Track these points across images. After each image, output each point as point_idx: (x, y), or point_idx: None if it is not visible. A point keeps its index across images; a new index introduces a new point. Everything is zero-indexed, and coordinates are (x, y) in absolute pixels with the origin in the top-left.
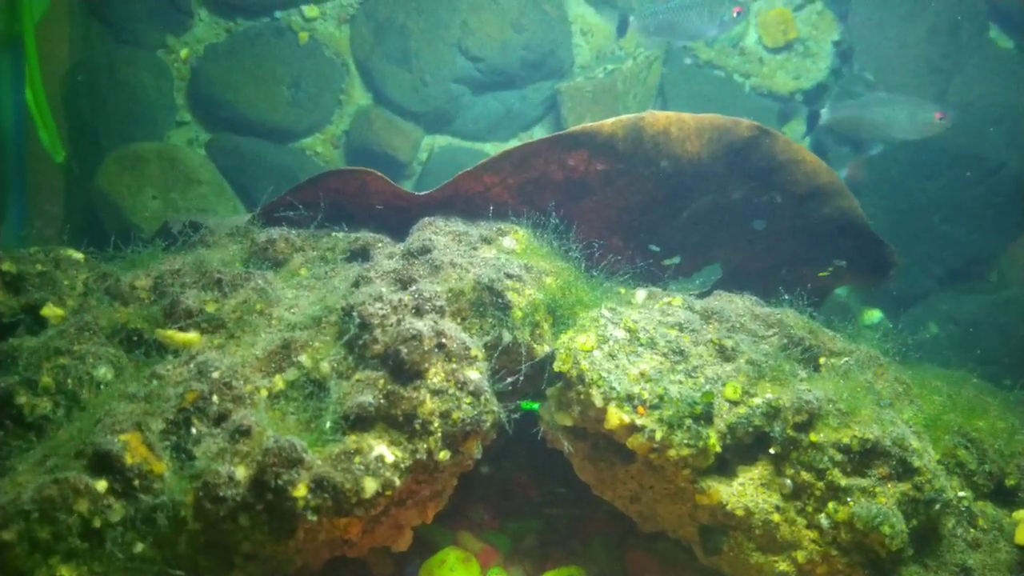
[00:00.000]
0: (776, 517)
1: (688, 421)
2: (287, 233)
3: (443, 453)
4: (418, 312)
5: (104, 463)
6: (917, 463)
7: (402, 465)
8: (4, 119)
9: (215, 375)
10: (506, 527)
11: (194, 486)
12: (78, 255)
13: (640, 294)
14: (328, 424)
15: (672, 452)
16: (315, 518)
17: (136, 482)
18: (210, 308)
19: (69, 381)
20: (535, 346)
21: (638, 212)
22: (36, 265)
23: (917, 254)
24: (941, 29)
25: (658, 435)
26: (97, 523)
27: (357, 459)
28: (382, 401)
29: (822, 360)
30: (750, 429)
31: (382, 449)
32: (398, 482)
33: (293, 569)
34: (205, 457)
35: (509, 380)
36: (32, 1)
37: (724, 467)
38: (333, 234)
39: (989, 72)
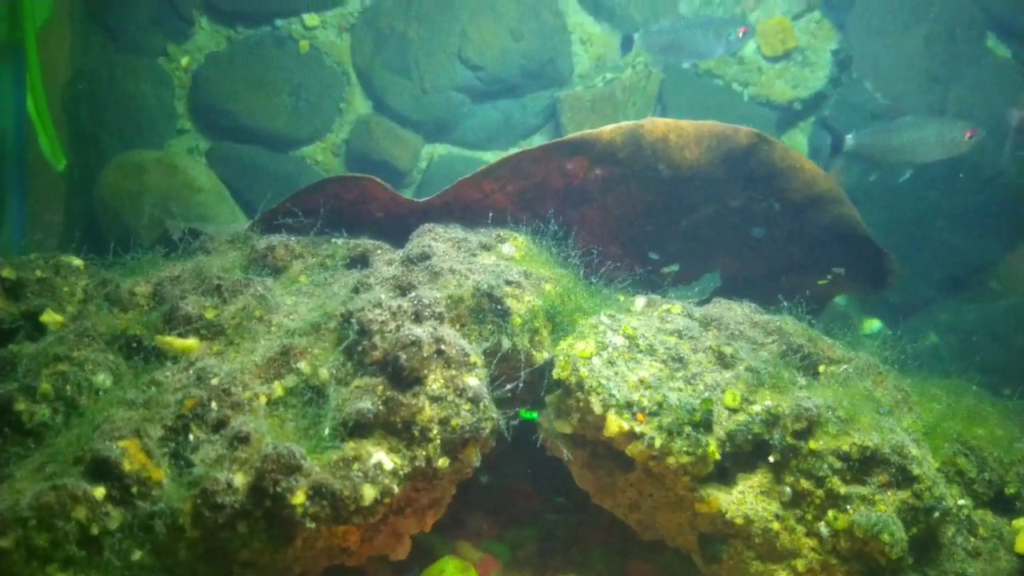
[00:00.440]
0: (776, 525)
1: (687, 428)
2: (287, 240)
3: (442, 460)
4: (417, 318)
5: (102, 470)
6: (917, 471)
7: (401, 472)
8: (5, 126)
9: (214, 381)
10: (505, 536)
11: (192, 493)
12: (78, 262)
13: (639, 301)
14: (327, 431)
15: (671, 459)
16: (313, 525)
17: (134, 489)
18: (209, 314)
19: (68, 388)
20: (534, 353)
21: (637, 219)
22: (36, 271)
23: (917, 263)
24: (939, 38)
25: (657, 442)
26: (95, 530)
27: (356, 466)
28: (381, 408)
29: (821, 368)
30: (749, 437)
31: (381, 456)
32: (397, 489)
33: None
34: (204, 464)
35: (508, 387)
36: (34, 9)
37: (723, 475)
38: (333, 241)
39: (987, 81)
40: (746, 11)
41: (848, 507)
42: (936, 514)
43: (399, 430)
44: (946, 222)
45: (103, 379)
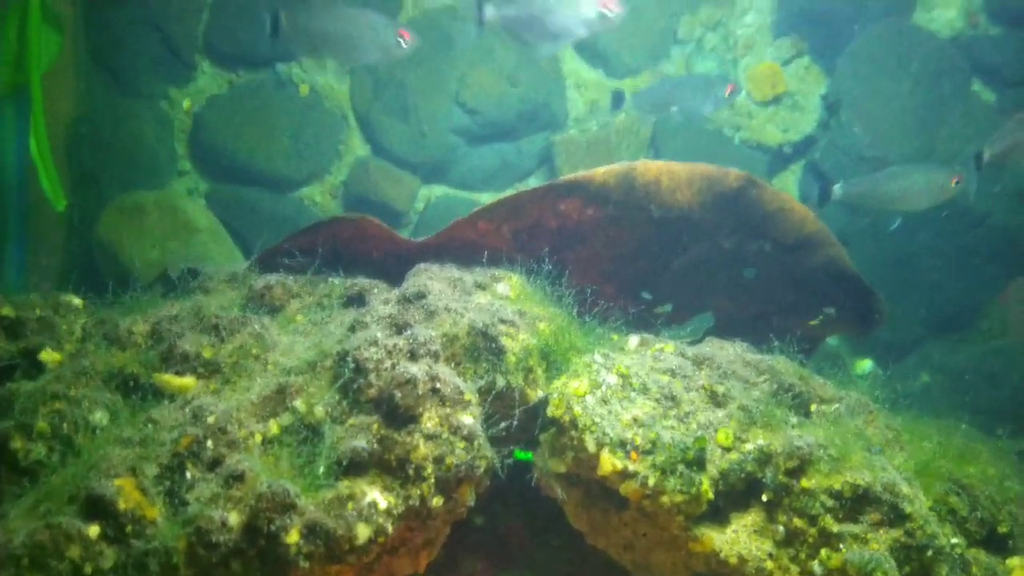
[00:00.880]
0: (769, 564)
1: (681, 467)
2: (284, 279)
3: (436, 499)
4: (413, 356)
5: (97, 508)
6: (908, 509)
7: (395, 511)
8: (7, 168)
9: (210, 420)
10: None
11: (187, 531)
12: (77, 301)
13: (633, 340)
14: (321, 469)
15: (665, 498)
16: (307, 564)
17: (129, 527)
18: (207, 353)
19: (65, 426)
20: (529, 391)
21: (630, 259)
22: (35, 310)
23: (907, 303)
24: (925, 83)
25: (651, 481)
26: (88, 569)
27: (350, 505)
28: (376, 446)
29: (813, 407)
30: (743, 475)
31: (375, 495)
32: (391, 529)
33: None
34: (198, 502)
35: (503, 425)
36: (40, 54)
37: (717, 514)
38: (330, 280)
39: (973, 124)
40: (737, 57)
41: (841, 545)
42: (929, 552)
43: (394, 468)
44: (935, 263)
45: (100, 417)
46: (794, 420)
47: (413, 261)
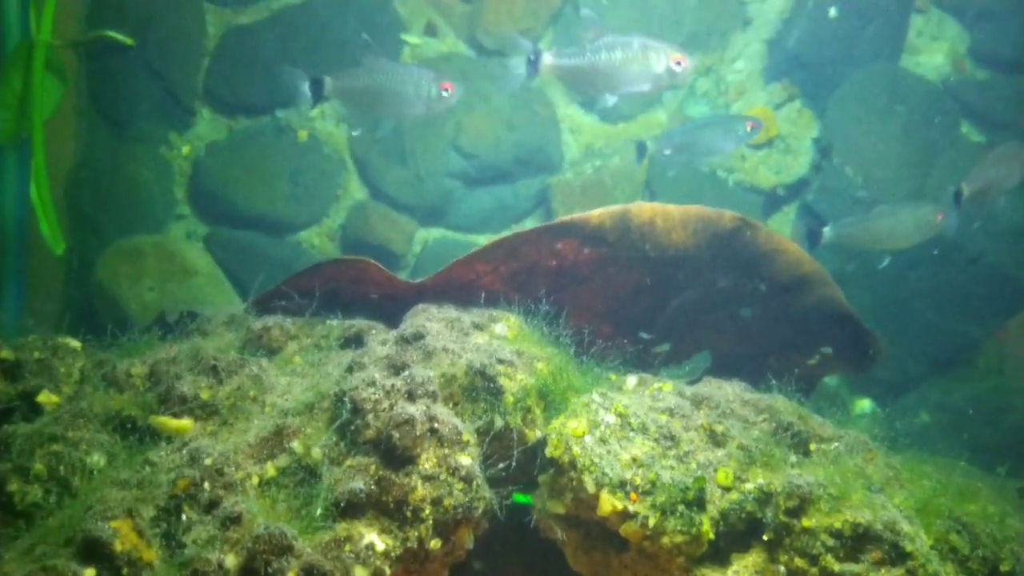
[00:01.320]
0: None
1: (681, 507)
2: (282, 321)
3: (434, 541)
4: (411, 397)
5: (94, 550)
6: (909, 547)
7: (392, 554)
8: (7, 213)
9: (207, 462)
10: None
11: (183, 574)
12: (75, 343)
13: (631, 380)
14: (319, 511)
15: (666, 539)
16: None
17: (125, 570)
18: (204, 395)
19: (62, 468)
20: (527, 431)
21: (627, 299)
22: (34, 353)
23: (904, 342)
24: (915, 125)
25: (651, 521)
26: None
27: (347, 547)
28: (373, 487)
29: (812, 446)
30: (743, 515)
31: (373, 537)
32: (388, 571)
33: None
34: (195, 544)
35: (501, 465)
36: (43, 101)
37: (718, 554)
38: (328, 322)
39: (963, 165)
40: (729, 102)
41: None
42: None
43: (391, 510)
44: (931, 302)
45: (97, 459)
46: (793, 459)
47: (411, 302)
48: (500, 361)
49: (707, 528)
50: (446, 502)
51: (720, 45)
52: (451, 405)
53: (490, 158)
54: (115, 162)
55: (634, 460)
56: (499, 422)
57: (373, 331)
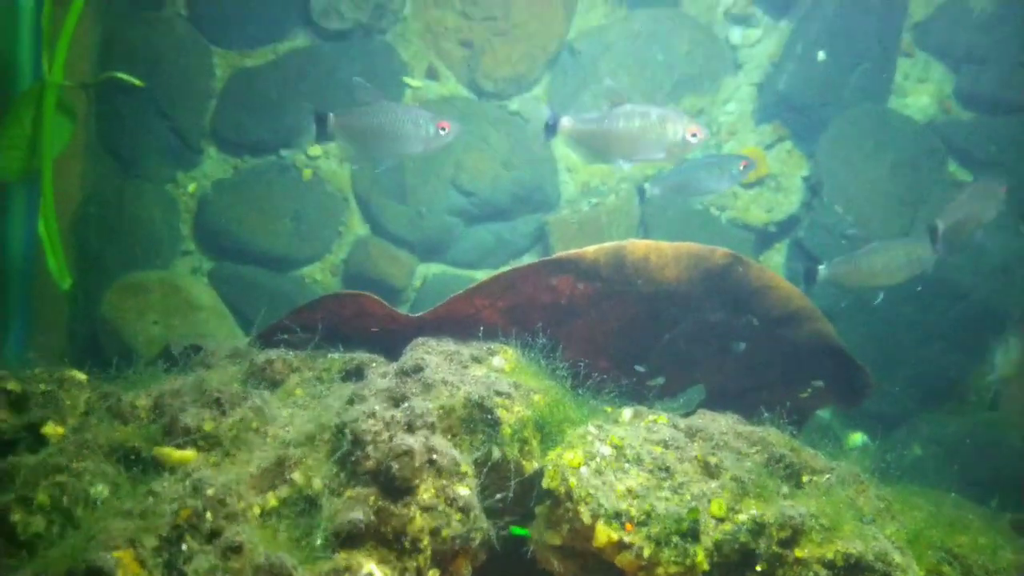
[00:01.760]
0: None
1: (675, 538)
2: (285, 354)
3: (432, 572)
4: (410, 428)
5: None
6: None
7: None
8: (15, 248)
9: (209, 492)
10: None
11: None
12: (81, 376)
13: (626, 412)
14: (319, 541)
15: (660, 570)
16: None
17: None
18: (208, 426)
19: (65, 498)
20: (524, 462)
21: (622, 333)
22: (40, 385)
23: (896, 377)
24: (903, 164)
25: (646, 552)
26: None
27: None
28: (372, 518)
29: (805, 477)
30: (736, 546)
31: (371, 567)
32: None
33: None
34: (196, 574)
35: (499, 496)
36: (53, 140)
37: None
38: (329, 355)
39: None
40: (721, 142)
41: None
42: None
43: (390, 540)
44: (920, 337)
45: (101, 490)
46: (786, 490)
47: (411, 336)
48: (498, 393)
49: (701, 559)
50: (444, 532)
51: (712, 88)
52: (449, 436)
53: (489, 196)
54: (122, 199)
55: (629, 491)
56: (496, 453)
57: (374, 364)
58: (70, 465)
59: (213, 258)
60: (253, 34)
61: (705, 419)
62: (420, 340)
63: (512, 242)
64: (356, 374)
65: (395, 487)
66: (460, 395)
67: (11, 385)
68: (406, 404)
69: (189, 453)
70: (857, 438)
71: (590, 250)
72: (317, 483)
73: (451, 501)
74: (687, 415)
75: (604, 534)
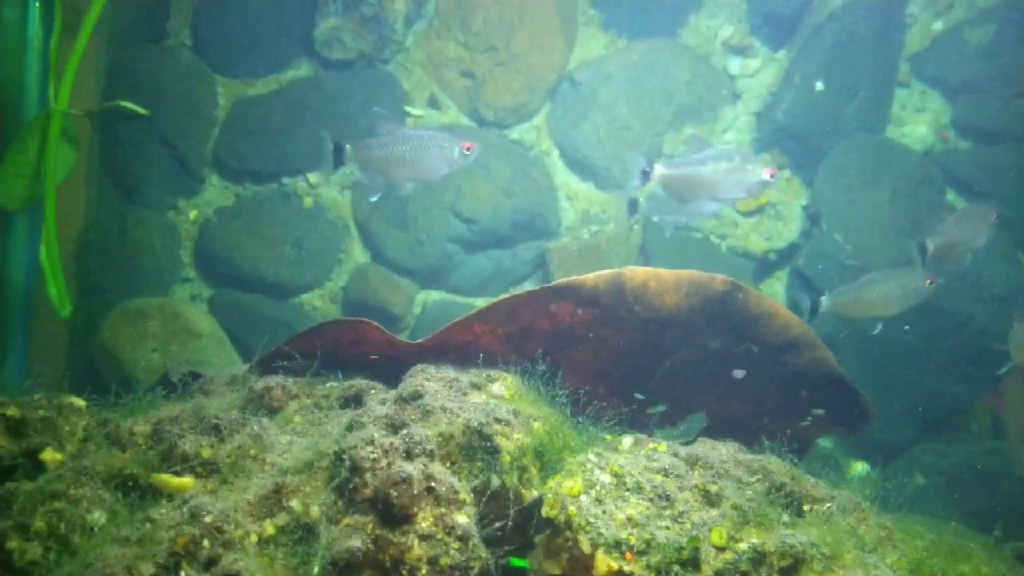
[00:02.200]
0: None
1: (676, 567)
2: (284, 381)
3: None
4: (408, 456)
5: None
6: None
7: None
8: (16, 274)
9: (207, 519)
10: None
11: None
12: (80, 402)
13: (626, 440)
14: (316, 570)
15: None
16: None
17: None
18: (206, 453)
19: (62, 525)
20: (523, 491)
21: (622, 360)
22: (39, 411)
23: (898, 405)
24: (902, 193)
25: None
26: None
27: None
28: (370, 546)
29: (805, 506)
30: (737, 575)
31: None
32: None
33: None
34: None
35: (497, 525)
36: (56, 168)
37: None
38: (328, 383)
39: None
40: None
41: None
42: None
43: (388, 569)
44: (922, 366)
45: (98, 516)
46: (787, 519)
47: (411, 362)
48: (497, 420)
49: None
50: (442, 561)
51: (711, 117)
52: (448, 464)
53: (489, 223)
54: (123, 226)
55: (629, 520)
56: (496, 481)
57: (372, 391)
58: (68, 492)
59: (213, 285)
60: (257, 64)
61: (705, 447)
62: (419, 367)
63: (512, 269)
64: (355, 401)
65: (393, 515)
66: (459, 422)
67: (10, 411)
68: (405, 431)
69: (187, 480)
70: (859, 467)
71: (589, 277)
72: (315, 511)
73: (449, 530)
74: (687, 443)
75: (604, 563)
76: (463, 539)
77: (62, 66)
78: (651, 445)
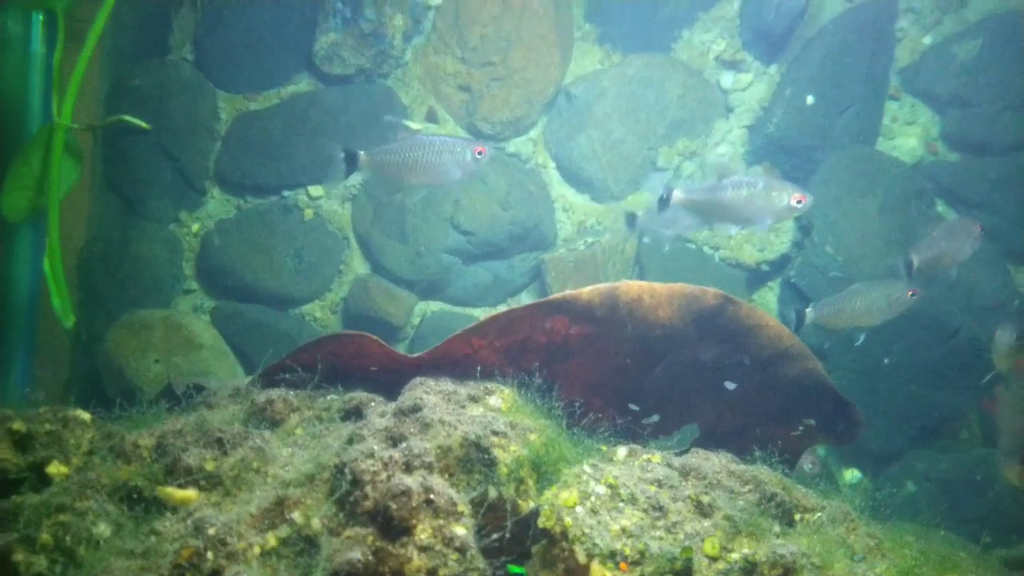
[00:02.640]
0: None
1: None
2: (286, 394)
3: None
4: (408, 468)
5: None
6: None
7: None
8: (20, 286)
9: (211, 531)
10: None
11: None
12: (85, 415)
13: (621, 451)
14: None
15: None
16: None
17: None
18: (209, 466)
19: (68, 538)
20: (520, 502)
21: (617, 372)
22: (45, 424)
23: (889, 414)
24: (892, 206)
25: None
26: None
27: None
28: (370, 558)
29: (797, 516)
30: None
31: None
32: None
33: None
34: None
35: (495, 536)
36: (60, 181)
37: None
38: (328, 396)
39: None
40: None
41: None
42: None
43: None
44: (912, 375)
45: (103, 529)
46: (777, 529)
47: (410, 375)
48: (494, 433)
49: None
50: (441, 572)
51: (704, 131)
52: (447, 476)
53: (487, 235)
54: (126, 238)
55: (624, 530)
56: (493, 493)
57: (372, 403)
58: (73, 504)
59: (215, 296)
60: (257, 78)
61: (699, 458)
62: (418, 380)
63: (509, 280)
64: (355, 413)
65: (393, 527)
66: (457, 435)
67: (16, 425)
68: (404, 444)
69: (191, 493)
70: (852, 474)
71: (585, 291)
72: (316, 523)
73: (448, 541)
74: (681, 453)
75: (599, 573)
76: (461, 550)
77: (65, 80)
78: (645, 456)
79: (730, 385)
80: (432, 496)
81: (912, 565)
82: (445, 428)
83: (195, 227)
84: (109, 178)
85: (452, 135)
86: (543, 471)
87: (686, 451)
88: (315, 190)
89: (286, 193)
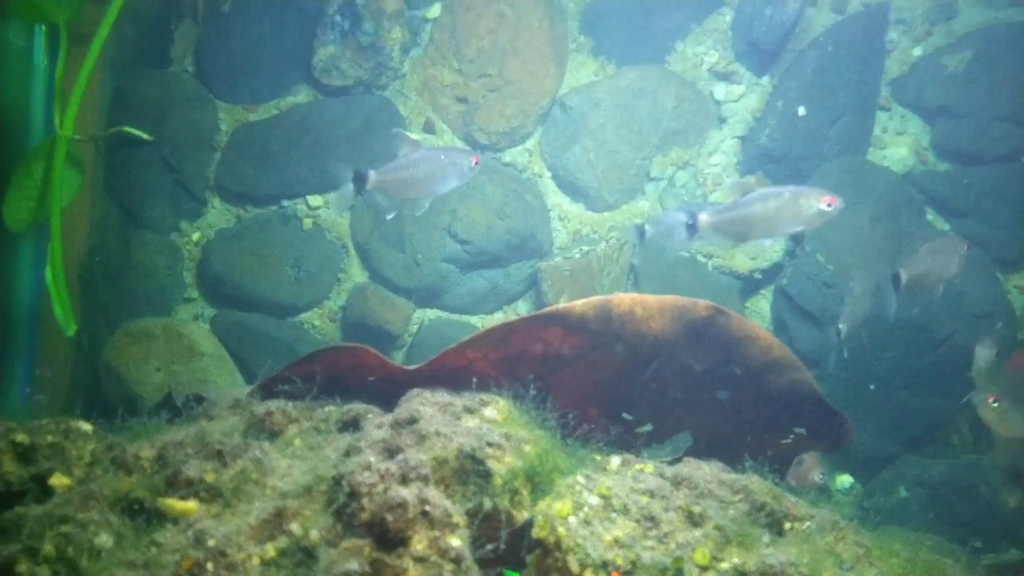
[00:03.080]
0: None
1: None
2: (284, 405)
3: None
4: (404, 480)
5: None
6: None
7: None
8: (22, 295)
9: (211, 543)
10: None
11: None
12: (87, 427)
13: (615, 461)
14: None
15: None
16: None
17: None
18: (209, 478)
19: (70, 549)
20: (515, 512)
21: (610, 383)
22: (47, 436)
23: (880, 420)
24: (882, 215)
25: None
26: None
27: None
28: (367, 569)
29: (786, 525)
30: None
31: None
32: None
33: None
34: None
35: (490, 547)
36: (62, 192)
37: None
38: (326, 407)
39: None
40: (707, 193)
41: None
42: None
43: None
44: (903, 382)
45: (105, 540)
46: (767, 538)
47: (406, 386)
48: (489, 444)
49: None
50: None
51: (697, 141)
52: (443, 488)
53: (483, 244)
54: (127, 248)
55: (616, 541)
56: (488, 504)
57: (370, 415)
58: (76, 516)
59: (215, 305)
60: (257, 90)
61: (690, 467)
62: (415, 391)
63: (506, 288)
64: (353, 425)
65: (389, 538)
66: (453, 446)
67: (19, 437)
68: (400, 456)
69: (191, 504)
70: (844, 480)
71: (578, 304)
72: (314, 534)
73: (444, 552)
74: (674, 462)
75: None
76: (457, 561)
77: (67, 92)
78: (638, 466)
79: (722, 394)
80: (428, 508)
81: (899, 573)
82: (441, 440)
83: (195, 236)
84: (110, 188)
85: (450, 147)
86: (537, 482)
87: (679, 459)
88: (314, 200)
89: (285, 203)
